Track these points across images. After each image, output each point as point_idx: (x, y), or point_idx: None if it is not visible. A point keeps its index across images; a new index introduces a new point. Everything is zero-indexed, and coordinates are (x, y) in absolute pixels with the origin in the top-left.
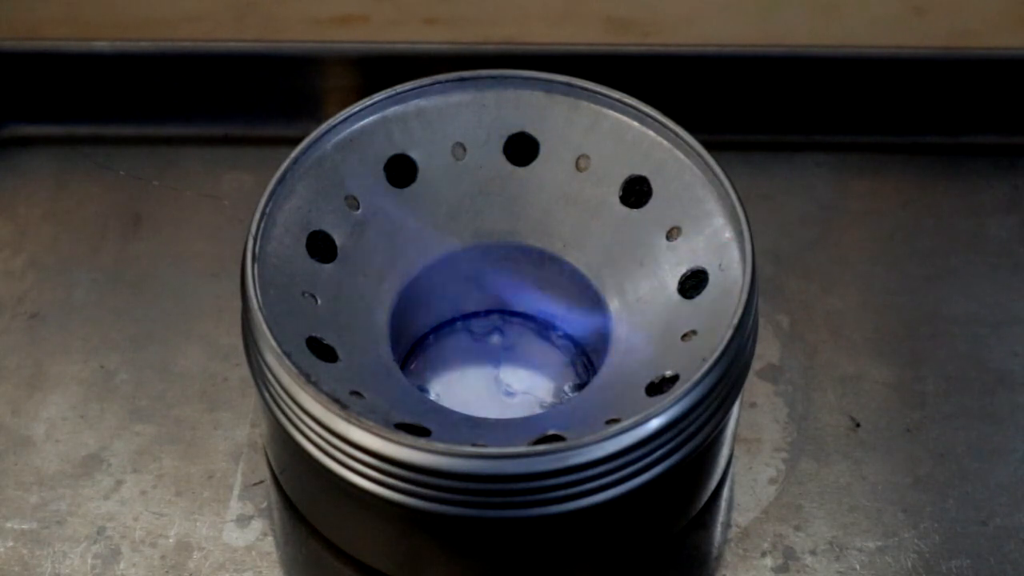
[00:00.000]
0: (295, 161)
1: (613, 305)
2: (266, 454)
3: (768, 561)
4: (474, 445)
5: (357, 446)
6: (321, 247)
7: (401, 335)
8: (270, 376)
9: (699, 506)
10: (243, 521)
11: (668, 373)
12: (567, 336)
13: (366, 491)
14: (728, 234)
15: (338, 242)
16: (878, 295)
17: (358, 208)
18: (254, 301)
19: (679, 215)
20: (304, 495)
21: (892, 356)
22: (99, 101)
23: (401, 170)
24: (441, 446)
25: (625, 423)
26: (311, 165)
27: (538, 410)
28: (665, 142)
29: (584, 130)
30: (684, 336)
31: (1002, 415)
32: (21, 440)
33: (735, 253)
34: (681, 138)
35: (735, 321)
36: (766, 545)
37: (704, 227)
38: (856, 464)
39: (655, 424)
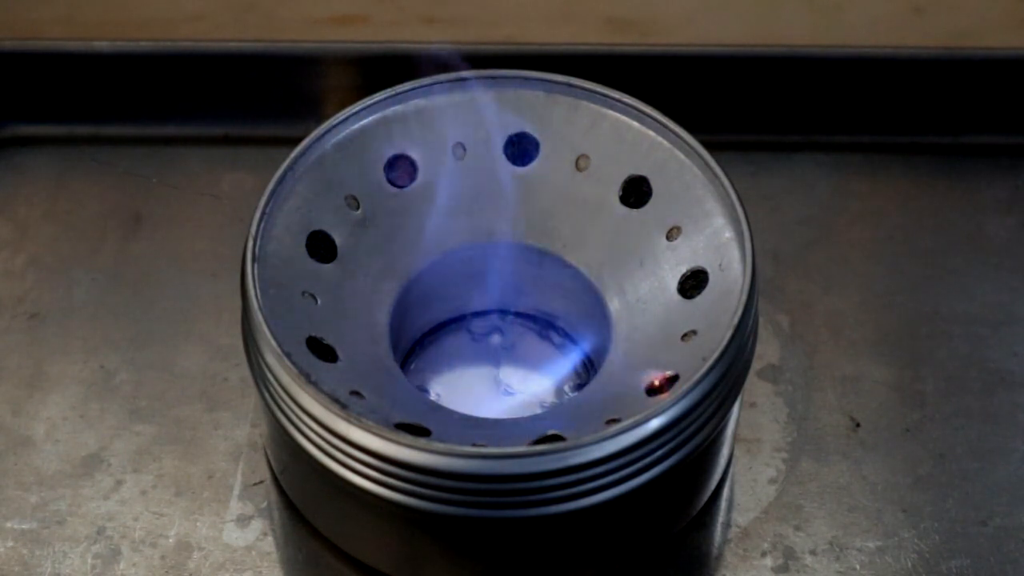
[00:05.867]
0: (295, 161)
1: (613, 305)
2: (266, 454)
3: (768, 561)
4: (474, 445)
5: (357, 446)
6: (321, 247)
7: (401, 335)
8: (270, 376)
9: (699, 506)
10: (243, 521)
11: (668, 373)
12: (567, 336)
13: (366, 491)
14: (728, 234)
15: (338, 242)
16: (878, 295)
17: (358, 208)
18: (254, 301)
19: (679, 215)
20: (304, 495)
21: (892, 356)
22: (99, 101)
23: (401, 170)
24: (441, 446)
25: (625, 423)
26: (311, 165)
27: (538, 410)
28: (665, 142)
29: (584, 130)
30: (684, 336)
31: (1002, 415)
32: (21, 440)
33: (735, 253)
34: (681, 138)
35: (735, 321)
36: (766, 545)
37: (704, 227)
38: (856, 464)
39: (655, 424)
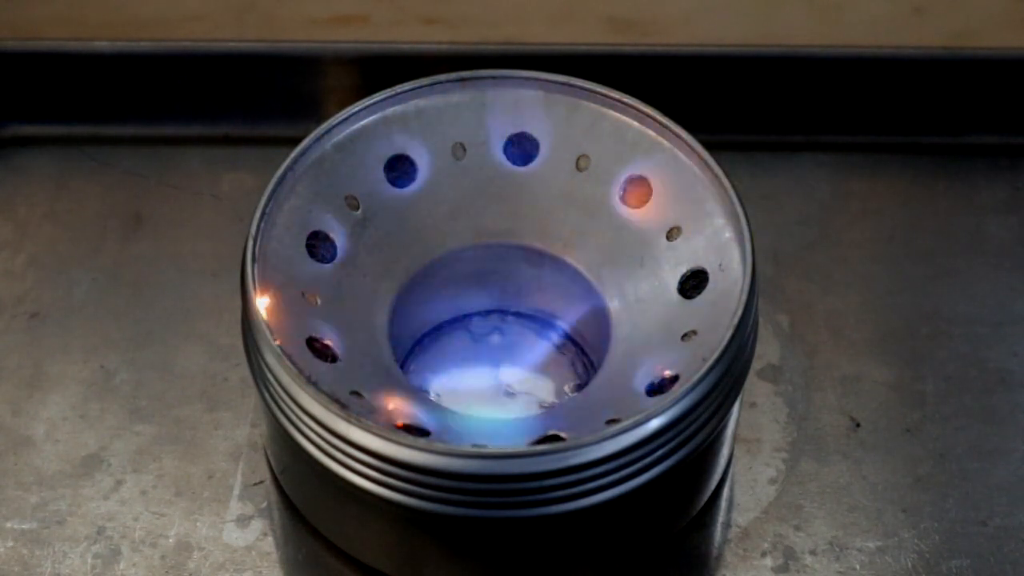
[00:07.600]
0: (295, 161)
1: (613, 305)
2: (266, 454)
3: (768, 561)
4: (474, 445)
5: (357, 446)
6: (321, 247)
7: (401, 335)
8: (270, 376)
9: (699, 506)
10: (243, 521)
11: (668, 373)
12: (567, 336)
13: (366, 491)
14: (728, 234)
15: (338, 242)
16: (878, 295)
17: (358, 208)
18: (254, 301)
19: (679, 215)
20: (304, 495)
21: (892, 356)
22: (99, 101)
23: (401, 170)
24: (441, 446)
25: (625, 423)
26: (311, 165)
27: (538, 410)
28: (665, 142)
29: (584, 130)
30: (684, 336)
31: (1002, 415)
32: (21, 440)
33: (735, 253)
34: (681, 138)
35: (735, 321)
36: (766, 545)
37: (704, 227)
38: (856, 464)
39: (655, 424)
